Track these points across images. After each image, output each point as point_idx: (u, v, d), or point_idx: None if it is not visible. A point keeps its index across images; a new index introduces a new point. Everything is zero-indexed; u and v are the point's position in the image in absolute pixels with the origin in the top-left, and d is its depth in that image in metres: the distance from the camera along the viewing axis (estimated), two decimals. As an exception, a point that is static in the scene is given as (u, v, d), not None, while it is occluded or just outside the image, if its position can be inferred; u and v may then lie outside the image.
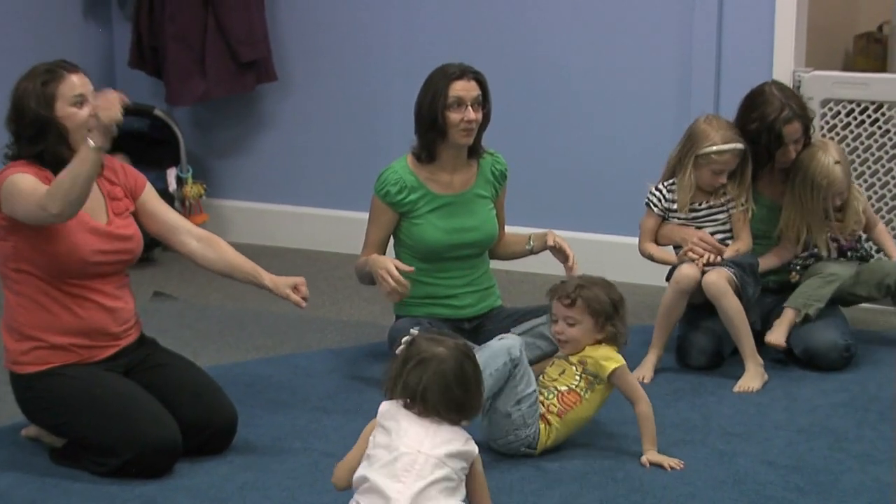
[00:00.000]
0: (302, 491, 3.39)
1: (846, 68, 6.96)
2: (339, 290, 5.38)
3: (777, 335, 4.31)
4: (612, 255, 5.40)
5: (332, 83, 5.93)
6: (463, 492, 2.93)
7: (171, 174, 5.90)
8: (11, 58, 5.34)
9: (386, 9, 5.77)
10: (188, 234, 3.79)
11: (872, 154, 5.08)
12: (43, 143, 3.48)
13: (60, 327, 3.55)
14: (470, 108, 4.08)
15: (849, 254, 4.52)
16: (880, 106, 5.03)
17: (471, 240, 4.25)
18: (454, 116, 4.08)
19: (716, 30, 5.12)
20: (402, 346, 3.01)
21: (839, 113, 5.07)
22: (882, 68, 6.87)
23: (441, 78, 4.11)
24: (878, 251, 4.69)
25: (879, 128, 5.05)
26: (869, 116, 5.06)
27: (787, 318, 4.35)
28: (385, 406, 2.96)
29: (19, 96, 3.49)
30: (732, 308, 4.21)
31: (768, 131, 4.37)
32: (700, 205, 4.37)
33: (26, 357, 3.55)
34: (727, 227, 4.37)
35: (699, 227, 4.36)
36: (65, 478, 3.48)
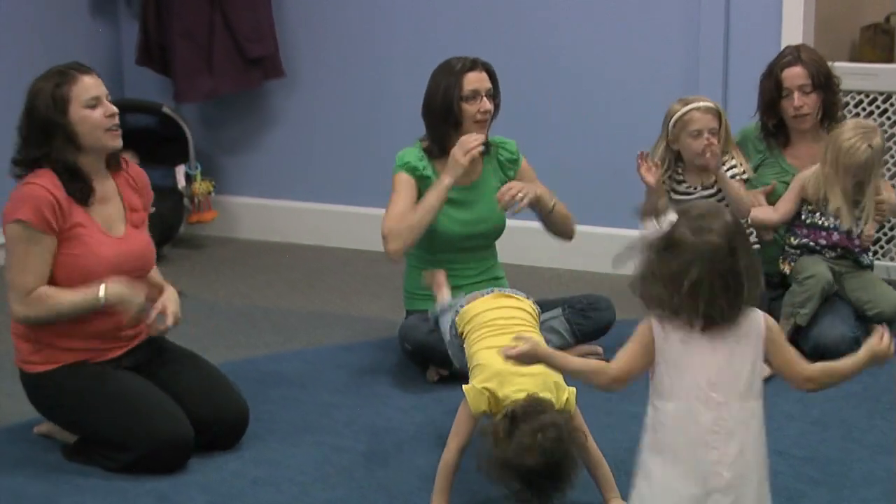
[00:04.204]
0: (314, 486, 3.39)
1: (853, 59, 6.95)
2: (349, 285, 5.38)
3: None
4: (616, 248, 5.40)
5: (339, 79, 5.93)
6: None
7: (180, 171, 5.90)
8: (19, 57, 5.37)
9: (393, 5, 5.77)
10: (155, 271, 3.75)
11: (881, 145, 5.08)
12: (48, 146, 3.45)
13: (71, 333, 3.52)
14: (485, 98, 4.10)
15: (838, 250, 4.32)
16: (889, 96, 5.03)
17: (481, 231, 4.25)
18: (470, 108, 4.08)
19: (723, 22, 5.11)
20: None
21: (847, 103, 5.07)
22: (889, 59, 6.86)
23: (450, 72, 4.10)
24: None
25: (889, 118, 5.05)
26: (878, 107, 5.06)
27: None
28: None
29: (32, 98, 3.47)
30: None
31: (769, 78, 4.33)
32: (695, 189, 4.32)
33: (36, 357, 3.55)
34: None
35: None
36: (77, 474, 3.48)
